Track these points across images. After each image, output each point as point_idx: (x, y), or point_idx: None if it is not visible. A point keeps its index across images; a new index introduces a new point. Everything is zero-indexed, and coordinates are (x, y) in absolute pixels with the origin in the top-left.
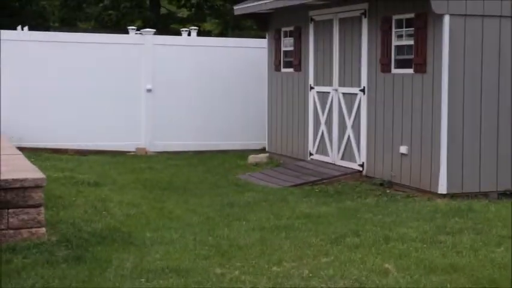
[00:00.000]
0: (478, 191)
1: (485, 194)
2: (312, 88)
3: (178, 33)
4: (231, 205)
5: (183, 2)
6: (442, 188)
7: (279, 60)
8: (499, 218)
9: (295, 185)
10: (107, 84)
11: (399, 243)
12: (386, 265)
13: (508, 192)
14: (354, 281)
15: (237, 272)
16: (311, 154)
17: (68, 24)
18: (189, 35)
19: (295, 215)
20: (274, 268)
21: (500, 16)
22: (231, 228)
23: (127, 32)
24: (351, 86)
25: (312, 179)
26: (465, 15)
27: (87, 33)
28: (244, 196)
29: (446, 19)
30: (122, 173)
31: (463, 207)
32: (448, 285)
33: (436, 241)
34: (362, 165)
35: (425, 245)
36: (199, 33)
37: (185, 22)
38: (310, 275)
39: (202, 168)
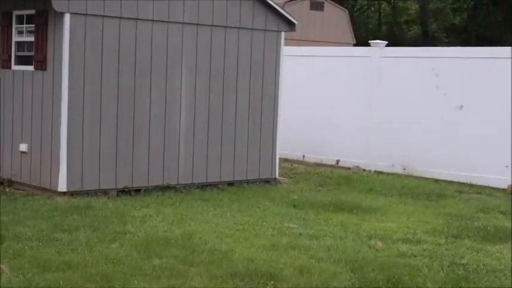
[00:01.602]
0: (98, 188)
1: (105, 192)
2: None
3: None
4: None
5: None
6: (62, 186)
7: None
8: (116, 214)
9: None
10: None
11: (15, 242)
12: (1, 266)
13: (126, 189)
14: None
15: None
16: None
17: None
18: None
19: None
20: None
21: (120, 17)
22: None
23: None
24: None
25: None
26: (86, 14)
27: None
28: None
29: (67, 17)
30: None
31: (82, 204)
32: (61, 282)
33: (53, 239)
34: None
35: (41, 244)
36: None
37: None
38: None
39: None
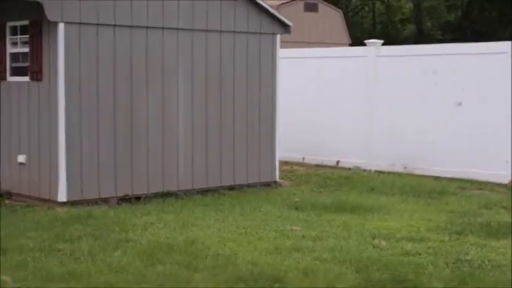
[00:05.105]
0: (99, 197)
1: (106, 200)
2: None
3: None
4: None
5: None
6: (62, 196)
7: None
8: (117, 222)
9: None
10: None
11: (16, 254)
12: (3, 277)
13: (127, 197)
14: None
15: None
16: None
17: None
18: None
19: None
20: None
21: (115, 25)
22: None
23: None
24: None
25: None
26: (80, 23)
27: None
28: None
29: (61, 27)
30: None
31: (83, 214)
32: None
33: (55, 249)
34: None
35: (43, 254)
36: None
37: None
38: None
39: None
